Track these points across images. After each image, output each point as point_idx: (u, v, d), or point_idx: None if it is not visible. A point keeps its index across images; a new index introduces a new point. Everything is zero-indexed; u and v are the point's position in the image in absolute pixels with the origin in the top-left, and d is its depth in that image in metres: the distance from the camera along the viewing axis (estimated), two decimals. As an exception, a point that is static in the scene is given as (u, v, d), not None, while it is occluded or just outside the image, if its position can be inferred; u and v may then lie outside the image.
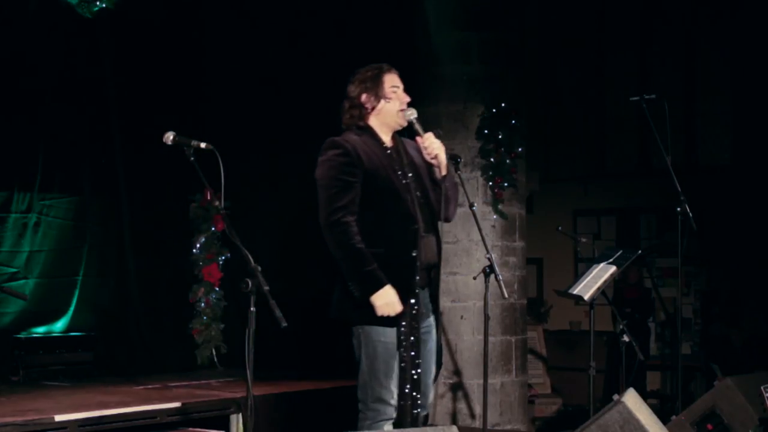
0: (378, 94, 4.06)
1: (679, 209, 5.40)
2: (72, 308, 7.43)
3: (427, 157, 4.05)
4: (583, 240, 7.62)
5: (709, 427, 5.23)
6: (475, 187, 7.33)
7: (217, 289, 8.16)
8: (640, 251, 6.02)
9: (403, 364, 3.94)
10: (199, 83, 8.00)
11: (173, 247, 8.07)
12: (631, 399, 4.51)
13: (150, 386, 6.43)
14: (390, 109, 4.08)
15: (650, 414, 4.68)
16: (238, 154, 7.03)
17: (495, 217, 7.36)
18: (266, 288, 3.59)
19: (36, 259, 7.25)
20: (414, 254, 3.95)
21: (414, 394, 3.96)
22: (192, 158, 3.83)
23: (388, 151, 4.08)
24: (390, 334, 3.94)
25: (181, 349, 7.97)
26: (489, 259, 5.59)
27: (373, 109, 4.08)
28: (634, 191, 10.48)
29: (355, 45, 7.41)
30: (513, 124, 7.37)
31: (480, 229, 5.85)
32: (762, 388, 5.18)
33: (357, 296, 3.89)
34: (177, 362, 7.79)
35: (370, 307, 3.89)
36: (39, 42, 7.13)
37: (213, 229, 8.15)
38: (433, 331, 4.10)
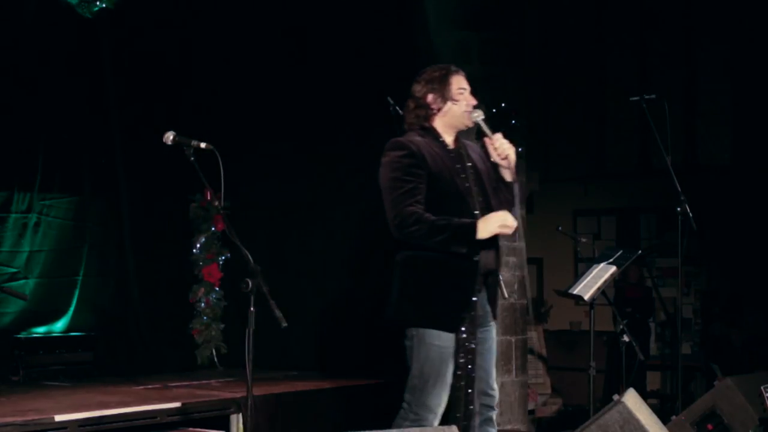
0: (445, 95, 4.03)
1: (679, 209, 5.40)
2: (72, 308, 7.42)
3: (497, 158, 4.03)
4: (583, 240, 7.62)
5: (709, 427, 5.23)
6: (475, 187, 7.32)
7: (217, 289, 8.15)
8: (640, 251, 6.02)
9: (459, 372, 3.89)
10: (199, 83, 8.00)
11: (173, 247, 8.06)
12: (631, 399, 4.51)
13: (150, 386, 6.42)
14: (456, 111, 4.05)
15: (650, 414, 4.68)
16: (239, 154, 7.03)
17: (495, 217, 7.35)
18: (266, 288, 3.59)
19: (36, 259, 7.24)
20: (476, 259, 3.91)
21: (473, 395, 3.92)
22: (192, 158, 3.83)
23: (452, 154, 4.05)
24: (445, 339, 3.89)
25: (181, 349, 7.96)
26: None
27: (439, 110, 4.05)
28: (634, 191, 10.48)
29: (356, 45, 7.41)
30: (513, 124, 7.37)
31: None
32: (762, 388, 5.18)
33: (466, 251, 3.83)
34: (177, 362, 7.78)
35: (429, 309, 3.86)
36: (39, 42, 7.12)
37: (213, 229, 8.15)
38: (493, 333, 4.07)
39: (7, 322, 7.02)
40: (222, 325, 8.10)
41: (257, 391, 5.53)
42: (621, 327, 5.84)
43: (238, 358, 3.93)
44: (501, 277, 5.51)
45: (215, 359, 8.02)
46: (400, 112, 6.02)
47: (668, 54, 10.41)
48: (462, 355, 3.89)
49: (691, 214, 5.37)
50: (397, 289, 3.98)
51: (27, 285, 7.13)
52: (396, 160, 3.91)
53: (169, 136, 3.86)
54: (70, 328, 7.38)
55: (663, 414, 5.59)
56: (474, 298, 3.92)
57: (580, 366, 8.45)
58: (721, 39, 10.01)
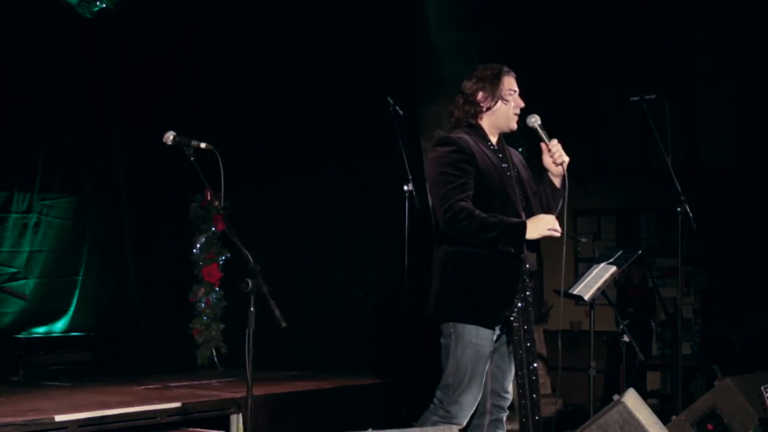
0: (495, 94, 4.03)
1: (679, 209, 5.40)
2: (72, 308, 7.42)
3: (551, 165, 4.05)
4: (583, 240, 7.61)
5: (709, 427, 5.23)
6: (475, 187, 7.32)
7: (217, 289, 8.15)
8: (640, 251, 6.01)
9: (520, 372, 3.88)
10: (199, 83, 8.00)
11: (173, 247, 8.07)
12: (631, 399, 4.51)
13: (150, 386, 6.42)
14: (504, 112, 4.05)
15: (650, 414, 4.68)
16: (239, 154, 7.03)
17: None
18: (266, 288, 3.59)
19: (36, 259, 7.24)
20: (522, 256, 3.91)
21: (532, 395, 3.90)
22: (192, 158, 3.83)
23: (498, 154, 4.05)
24: (483, 337, 3.87)
25: (181, 349, 7.97)
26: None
27: (488, 109, 4.05)
28: (634, 191, 10.48)
29: (356, 45, 7.41)
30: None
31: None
32: (762, 388, 5.18)
33: (515, 250, 3.85)
34: (177, 362, 7.78)
35: (472, 305, 3.85)
36: (39, 42, 7.12)
37: (213, 229, 8.15)
38: (532, 332, 4.02)
39: (7, 322, 7.02)
40: (222, 325, 8.10)
41: (257, 391, 5.53)
42: (621, 327, 5.83)
43: (238, 358, 3.94)
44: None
45: (215, 359, 8.02)
46: (400, 112, 6.05)
47: (668, 54, 10.41)
48: (515, 350, 3.87)
49: (691, 214, 5.36)
50: (439, 284, 3.95)
51: (27, 285, 7.13)
52: (445, 155, 3.91)
53: (169, 136, 3.86)
54: (70, 328, 7.38)
55: (663, 414, 5.59)
56: (520, 294, 3.90)
57: (580, 366, 8.44)
58: (721, 39, 10.01)
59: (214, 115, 7.78)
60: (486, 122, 4.08)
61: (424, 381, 7.27)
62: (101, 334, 7.43)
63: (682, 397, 5.71)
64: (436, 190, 3.91)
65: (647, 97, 5.59)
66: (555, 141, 4.04)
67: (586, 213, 10.96)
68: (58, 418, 4.88)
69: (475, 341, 3.87)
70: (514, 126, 4.09)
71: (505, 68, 4.11)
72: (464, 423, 3.92)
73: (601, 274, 5.66)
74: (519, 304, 3.90)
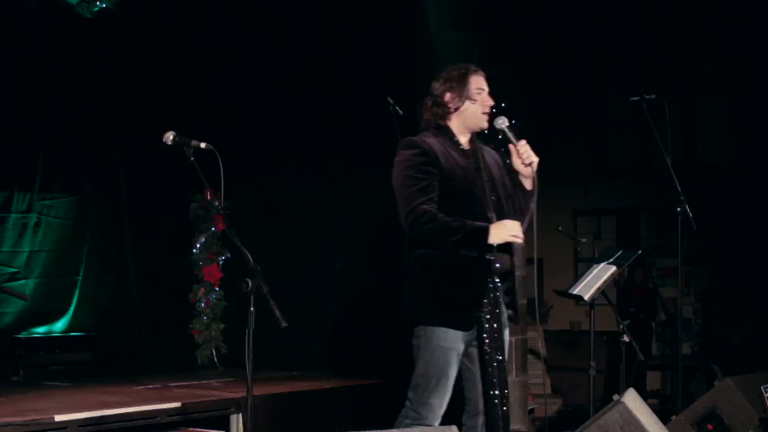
0: (462, 94, 4.03)
1: (679, 209, 5.40)
2: (72, 308, 7.42)
3: (520, 166, 3.99)
4: (583, 240, 7.62)
5: (710, 427, 5.23)
6: (475, 187, 7.32)
7: (217, 289, 8.15)
8: (640, 251, 6.02)
9: (490, 369, 3.89)
10: (199, 83, 8.00)
11: (173, 247, 8.07)
12: (631, 399, 4.51)
13: (150, 386, 6.42)
14: (473, 111, 4.05)
15: (650, 414, 4.68)
16: (239, 155, 7.03)
17: (495, 217, 7.35)
18: (266, 288, 3.59)
19: (36, 259, 7.24)
20: (490, 257, 3.89)
21: (503, 392, 3.91)
22: (192, 158, 3.83)
23: (466, 155, 4.04)
24: (452, 340, 3.88)
25: (181, 349, 7.97)
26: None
27: (456, 109, 4.05)
28: (634, 191, 10.49)
29: (356, 45, 7.41)
30: (513, 124, 7.37)
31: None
32: (762, 388, 5.18)
33: (479, 255, 3.83)
34: (177, 362, 7.79)
35: (439, 307, 3.86)
36: (39, 42, 7.12)
37: (213, 229, 8.15)
38: (506, 334, 4.05)
39: (7, 322, 7.02)
40: (222, 325, 8.10)
41: (257, 391, 5.52)
42: (621, 327, 5.84)
43: (238, 358, 3.93)
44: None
45: (215, 359, 8.02)
46: (400, 112, 6.05)
47: (668, 54, 10.41)
48: (487, 350, 3.87)
49: (691, 214, 5.36)
50: (409, 287, 3.98)
51: (27, 285, 7.13)
52: (408, 159, 3.92)
53: (169, 136, 3.86)
54: (70, 328, 7.38)
55: (663, 414, 5.59)
56: (491, 294, 3.89)
57: (580, 366, 8.44)
58: (721, 39, 10.02)
59: (214, 115, 7.77)
60: (455, 123, 4.07)
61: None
62: (101, 334, 7.43)
63: (682, 397, 5.71)
64: (399, 193, 3.91)
65: (647, 97, 5.59)
66: (523, 142, 3.99)
67: (586, 213, 10.97)
68: (58, 418, 4.88)
69: (443, 344, 3.87)
70: (485, 125, 4.08)
71: (473, 67, 4.10)
72: (436, 424, 3.92)
73: (601, 274, 5.66)
74: (488, 306, 3.89)
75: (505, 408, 3.91)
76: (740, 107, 9.99)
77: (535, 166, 3.98)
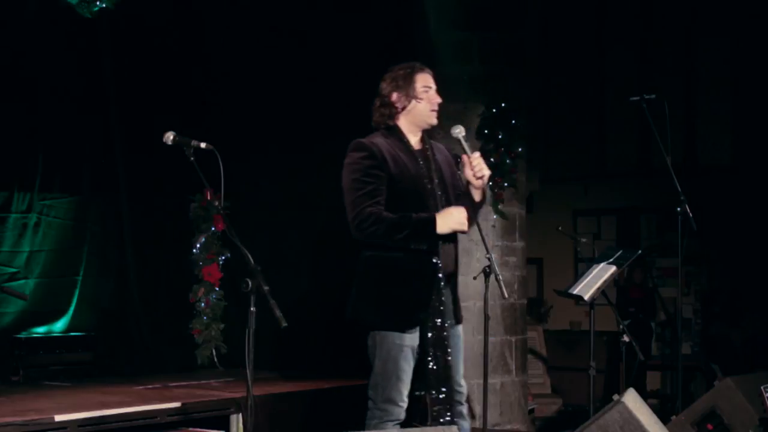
0: (409, 93, 4.04)
1: (679, 209, 5.40)
2: (72, 308, 7.42)
3: (471, 178, 4.01)
4: (583, 240, 7.62)
5: (709, 427, 5.23)
6: (475, 187, 7.32)
7: (217, 289, 8.15)
8: (640, 251, 6.02)
9: (434, 366, 3.95)
10: (199, 83, 8.00)
11: (173, 247, 8.06)
12: (631, 399, 4.51)
13: (150, 386, 6.42)
14: (421, 110, 4.06)
15: (650, 414, 4.68)
16: (239, 154, 7.03)
17: (495, 217, 7.36)
18: (266, 288, 3.59)
19: (36, 259, 7.24)
20: (435, 260, 3.94)
21: (446, 395, 3.98)
22: (192, 158, 3.83)
23: (415, 155, 4.06)
24: (406, 338, 3.94)
25: (181, 349, 7.97)
26: (489, 259, 5.60)
27: (403, 108, 4.06)
28: (634, 191, 10.49)
29: (356, 45, 7.41)
30: (513, 124, 7.37)
31: (480, 229, 5.86)
32: (762, 388, 5.18)
33: (427, 247, 3.89)
34: (177, 362, 7.78)
35: (387, 311, 3.92)
36: (39, 42, 7.12)
37: (213, 229, 8.15)
38: (459, 332, 4.11)
39: (7, 322, 7.02)
40: (222, 325, 8.10)
41: (257, 391, 5.52)
42: (621, 327, 5.84)
43: (238, 358, 3.93)
44: (501, 277, 5.53)
45: (215, 359, 8.02)
46: (400, 112, 6.05)
47: (668, 54, 10.41)
48: (432, 351, 3.94)
49: (691, 214, 5.36)
50: (356, 289, 4.05)
51: (27, 285, 7.13)
52: (357, 161, 3.96)
53: (169, 136, 3.86)
54: (70, 328, 7.38)
55: (663, 414, 5.59)
56: (432, 298, 3.94)
57: (580, 366, 8.44)
58: (722, 39, 10.02)
59: (214, 115, 7.77)
60: (404, 122, 4.09)
61: (423, 381, 7.30)
62: (101, 334, 7.43)
63: (682, 397, 5.70)
64: (347, 197, 3.95)
65: (647, 97, 5.59)
66: (477, 154, 4.02)
67: (586, 213, 10.98)
68: (58, 418, 4.88)
69: (399, 342, 3.94)
70: (434, 122, 4.09)
71: (419, 65, 4.10)
72: (401, 416, 3.99)
73: (601, 274, 5.66)
74: (433, 306, 3.94)
75: (449, 405, 4.00)
76: (740, 107, 9.99)
77: (486, 179, 4.03)
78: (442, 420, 3.95)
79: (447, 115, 7.39)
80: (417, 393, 7.35)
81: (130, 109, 7.62)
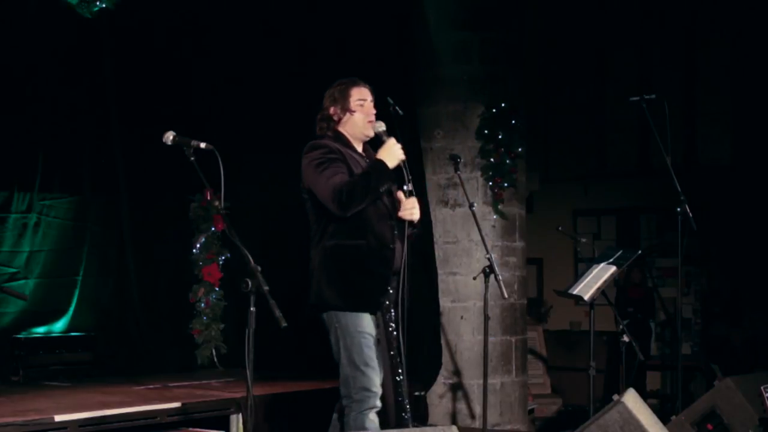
0: (344, 106, 4.29)
1: (679, 209, 5.40)
2: (72, 308, 7.42)
3: (402, 214, 4.23)
4: (583, 240, 7.62)
5: (709, 427, 5.23)
6: (475, 187, 7.33)
7: (217, 289, 8.15)
8: (640, 251, 6.02)
9: (392, 352, 4.14)
10: (199, 83, 8.00)
11: (173, 247, 8.06)
12: (631, 399, 4.51)
13: (150, 386, 6.42)
14: (356, 121, 4.28)
15: (650, 414, 4.68)
16: (238, 154, 7.03)
17: (495, 217, 7.37)
18: (266, 288, 3.59)
19: (36, 259, 7.24)
20: (392, 246, 4.17)
21: (400, 381, 4.17)
22: (192, 158, 3.83)
23: (363, 157, 4.29)
24: (365, 325, 4.11)
25: (181, 349, 7.96)
26: (489, 259, 5.61)
27: (339, 120, 4.30)
28: (634, 191, 10.49)
29: (356, 45, 7.41)
30: (513, 124, 7.38)
31: (480, 229, 5.88)
32: (762, 388, 5.19)
33: (389, 175, 4.13)
34: (177, 362, 7.78)
35: (351, 293, 4.09)
36: (39, 42, 7.12)
37: (213, 229, 8.15)
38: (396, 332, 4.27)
39: (7, 322, 7.02)
40: (222, 325, 8.10)
41: (257, 391, 5.52)
42: (621, 327, 5.84)
43: (238, 358, 3.94)
44: (500, 277, 5.53)
45: (215, 359, 8.02)
46: (400, 112, 6.03)
47: (668, 54, 10.41)
48: (386, 337, 4.14)
49: (691, 214, 5.37)
50: (319, 275, 4.17)
51: (27, 285, 7.13)
52: (317, 156, 4.17)
53: (169, 136, 3.86)
54: (70, 328, 7.38)
55: (663, 414, 5.59)
56: (390, 283, 4.17)
57: (580, 366, 8.45)
58: (721, 39, 10.03)
59: (214, 115, 7.77)
60: (345, 132, 4.32)
61: (424, 381, 7.30)
62: (101, 334, 7.43)
63: (682, 397, 5.70)
64: (317, 187, 4.13)
65: (647, 97, 5.60)
66: (413, 200, 4.28)
67: (586, 213, 10.98)
68: (58, 418, 4.88)
69: (360, 330, 4.10)
70: (370, 133, 4.29)
71: (356, 80, 4.36)
72: (379, 404, 4.12)
73: (600, 274, 5.66)
74: (391, 291, 4.17)
75: (400, 398, 4.19)
76: (740, 107, 9.99)
77: (415, 221, 4.26)
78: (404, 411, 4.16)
79: (447, 114, 7.49)
80: (417, 393, 7.39)
81: (130, 110, 7.62)
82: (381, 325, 4.16)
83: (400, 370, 4.16)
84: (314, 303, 4.21)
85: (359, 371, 4.08)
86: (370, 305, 4.14)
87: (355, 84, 4.33)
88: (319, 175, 4.11)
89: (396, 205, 4.27)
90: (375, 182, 4.08)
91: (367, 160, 4.27)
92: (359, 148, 4.32)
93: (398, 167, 4.24)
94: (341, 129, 4.30)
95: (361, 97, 4.30)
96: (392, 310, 4.17)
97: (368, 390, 4.08)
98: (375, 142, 4.43)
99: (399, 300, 4.20)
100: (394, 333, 4.15)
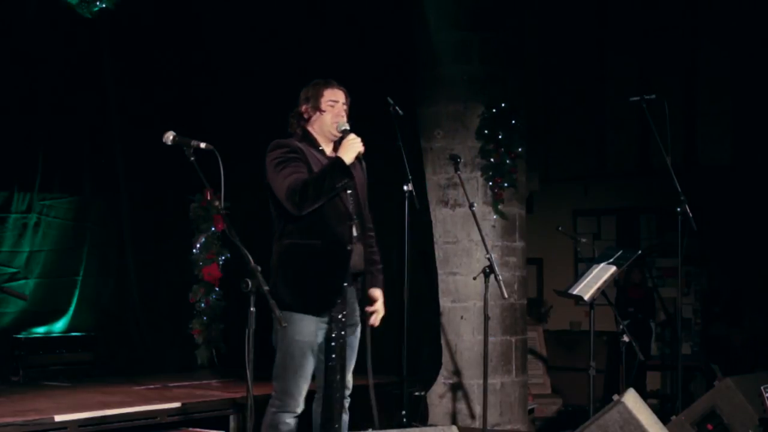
0: (315, 105, 4.37)
1: (679, 209, 5.41)
2: (72, 308, 7.42)
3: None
4: (583, 240, 7.62)
5: (709, 427, 5.23)
6: (475, 187, 7.33)
7: (217, 289, 8.15)
8: (640, 251, 6.02)
9: (333, 355, 4.20)
10: (199, 83, 8.00)
11: (173, 247, 8.06)
12: (631, 399, 4.52)
13: (150, 386, 6.43)
14: (325, 121, 4.36)
15: (650, 414, 4.69)
16: (239, 154, 7.02)
17: (495, 217, 7.37)
18: (266, 288, 3.60)
19: (36, 259, 7.24)
20: (349, 248, 4.22)
21: (342, 384, 4.25)
22: (192, 158, 3.83)
23: (328, 157, 4.33)
24: (306, 333, 4.15)
25: (181, 349, 7.96)
26: (489, 259, 5.61)
27: (309, 118, 4.38)
28: (634, 191, 10.49)
29: (356, 46, 7.41)
30: (513, 124, 7.38)
31: (480, 230, 5.88)
32: (762, 388, 5.19)
33: (345, 172, 4.17)
34: (177, 362, 7.78)
35: (304, 293, 4.14)
36: (39, 42, 7.12)
37: (213, 229, 8.15)
38: (357, 332, 4.36)
39: (7, 322, 7.02)
40: (222, 325, 8.10)
41: (257, 391, 5.52)
42: (621, 327, 5.84)
43: (238, 358, 3.94)
44: (500, 277, 5.53)
45: (215, 359, 8.02)
46: (400, 112, 6.06)
47: (668, 54, 10.41)
48: (333, 340, 4.20)
49: (691, 214, 5.37)
50: (276, 274, 4.22)
51: (27, 285, 7.13)
52: (278, 156, 4.24)
53: (169, 136, 3.86)
54: (70, 328, 7.38)
55: (663, 414, 5.59)
56: (345, 284, 4.21)
57: (580, 366, 8.45)
58: (721, 39, 10.02)
59: (214, 115, 7.77)
60: (313, 131, 4.40)
61: (424, 381, 7.30)
62: (101, 334, 7.43)
63: (682, 397, 5.71)
64: (275, 186, 4.19)
65: (647, 97, 5.60)
66: (377, 318, 4.34)
67: (586, 213, 10.98)
68: (58, 418, 4.88)
69: (299, 338, 4.15)
70: (338, 134, 4.35)
71: (330, 81, 4.45)
72: (298, 410, 4.23)
73: (601, 274, 5.66)
74: (342, 297, 4.22)
75: (345, 402, 4.29)
76: (740, 107, 9.99)
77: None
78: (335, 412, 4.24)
79: (447, 114, 7.50)
80: (417, 393, 7.38)
81: (129, 110, 7.62)
82: (333, 325, 4.21)
83: (338, 375, 4.22)
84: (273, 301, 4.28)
85: (288, 376, 4.18)
86: (319, 307, 4.19)
87: (329, 85, 4.42)
88: (277, 174, 4.17)
89: (360, 203, 4.32)
90: (330, 181, 4.14)
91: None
92: (328, 149, 4.38)
93: (356, 164, 4.29)
94: (310, 128, 4.38)
95: (333, 99, 4.38)
96: (345, 311, 4.21)
97: (292, 396, 4.20)
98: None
99: (354, 303, 4.29)
100: (342, 332, 4.22)
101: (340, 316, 4.21)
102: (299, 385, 4.20)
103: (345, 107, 4.41)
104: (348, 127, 4.32)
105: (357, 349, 4.38)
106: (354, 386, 4.44)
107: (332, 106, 4.37)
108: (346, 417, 4.40)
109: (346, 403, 4.39)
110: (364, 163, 4.44)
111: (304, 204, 4.11)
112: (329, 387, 4.24)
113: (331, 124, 4.34)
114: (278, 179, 4.17)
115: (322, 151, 4.35)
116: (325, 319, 4.20)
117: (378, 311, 4.36)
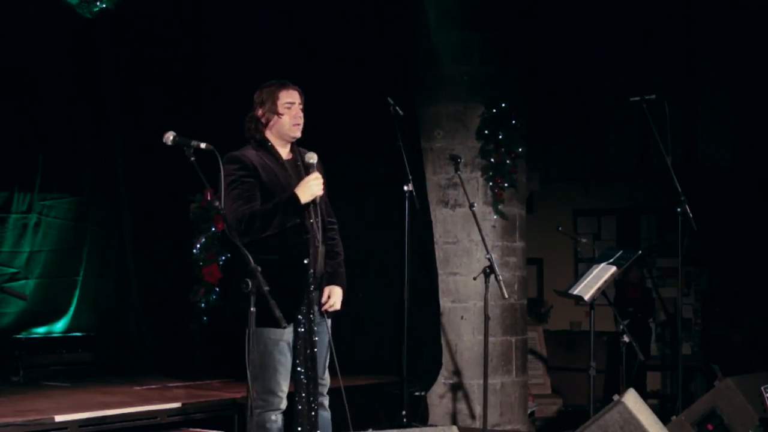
0: (272, 109, 4.36)
1: (679, 209, 5.41)
2: (72, 308, 7.41)
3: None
4: (583, 240, 7.62)
5: (710, 427, 5.24)
6: (475, 188, 7.34)
7: (217, 289, 8.14)
8: (640, 251, 6.02)
9: (302, 359, 4.23)
10: (199, 83, 7.99)
11: (173, 247, 8.05)
12: (631, 399, 4.52)
13: (150, 386, 6.43)
14: (283, 124, 4.36)
15: (650, 414, 4.69)
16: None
17: (495, 217, 7.37)
18: (266, 288, 3.60)
19: (36, 259, 7.24)
20: (306, 261, 4.23)
21: (311, 386, 4.28)
22: (192, 158, 3.83)
23: (285, 165, 4.35)
24: (278, 332, 4.19)
25: (181, 349, 7.95)
26: (489, 259, 5.62)
27: (267, 122, 4.37)
28: (634, 191, 10.49)
29: (356, 46, 7.41)
30: (513, 124, 7.38)
31: (480, 230, 5.89)
32: (762, 388, 5.19)
33: (299, 212, 4.17)
34: (177, 362, 7.77)
35: (260, 311, 4.02)
36: (39, 42, 7.12)
37: (213, 229, 8.13)
38: (325, 328, 4.39)
39: (7, 322, 7.02)
40: (222, 326, 8.08)
41: (257, 391, 5.52)
42: (621, 327, 5.84)
43: (238, 359, 3.94)
44: (501, 277, 5.54)
45: (215, 359, 8.00)
46: (400, 112, 6.07)
47: (668, 54, 10.41)
48: (300, 346, 4.24)
49: (691, 215, 5.37)
50: (234, 290, 4.20)
51: (27, 285, 7.13)
52: (231, 172, 4.21)
53: (169, 137, 3.86)
54: (70, 328, 7.38)
55: (663, 414, 5.60)
56: (309, 295, 4.25)
57: (580, 366, 8.45)
58: (722, 39, 10.02)
59: (214, 115, 7.77)
60: (271, 135, 4.39)
61: (424, 381, 7.30)
62: (101, 334, 7.43)
63: (682, 397, 5.71)
64: (225, 206, 4.17)
65: (647, 97, 5.60)
66: (337, 306, 4.39)
67: (586, 213, 10.98)
68: (58, 418, 4.88)
69: (273, 337, 4.19)
70: (297, 134, 4.39)
71: (285, 83, 4.44)
72: (282, 407, 4.28)
73: (601, 274, 5.66)
74: (306, 303, 4.25)
75: (313, 413, 4.30)
76: (740, 107, 9.99)
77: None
78: (309, 407, 4.28)
79: (447, 115, 7.50)
80: (417, 393, 7.38)
81: (130, 109, 7.62)
82: (298, 327, 4.24)
83: (310, 373, 4.26)
84: (230, 317, 4.31)
85: (267, 375, 4.21)
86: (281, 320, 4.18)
87: (283, 86, 4.40)
88: (227, 194, 4.16)
89: (319, 212, 4.33)
90: (280, 218, 4.14)
91: (287, 170, 4.32)
92: (285, 150, 4.38)
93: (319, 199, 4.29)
94: (268, 133, 4.37)
95: (290, 100, 4.37)
96: (311, 315, 4.24)
97: (274, 394, 4.23)
98: (302, 142, 4.50)
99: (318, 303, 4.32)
100: (309, 332, 4.24)
101: (303, 319, 4.23)
102: (279, 382, 4.24)
103: (301, 107, 4.40)
104: (314, 161, 4.28)
105: (328, 343, 4.40)
106: (347, 387, 4.46)
107: (289, 108, 4.36)
108: (327, 414, 4.43)
109: (325, 400, 4.42)
110: (320, 165, 4.41)
111: (248, 235, 4.11)
112: (298, 385, 4.26)
113: (290, 127, 4.34)
114: (227, 201, 4.16)
115: (277, 157, 4.33)
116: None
117: (333, 305, 4.38)
